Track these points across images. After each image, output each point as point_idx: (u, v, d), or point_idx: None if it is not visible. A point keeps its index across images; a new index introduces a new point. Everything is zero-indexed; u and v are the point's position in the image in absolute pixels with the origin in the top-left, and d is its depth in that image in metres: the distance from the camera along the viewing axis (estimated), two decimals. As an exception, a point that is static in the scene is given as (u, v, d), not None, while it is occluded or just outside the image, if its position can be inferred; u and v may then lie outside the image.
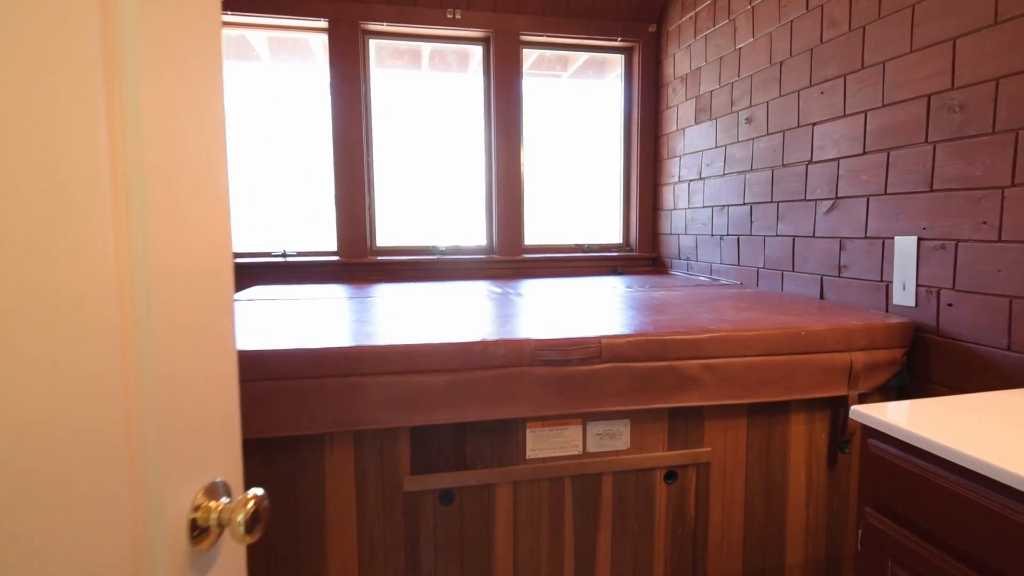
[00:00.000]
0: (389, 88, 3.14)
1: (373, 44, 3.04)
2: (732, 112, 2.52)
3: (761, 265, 2.37)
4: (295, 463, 1.34)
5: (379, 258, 3.01)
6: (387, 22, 2.91)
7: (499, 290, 2.40)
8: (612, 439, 1.49)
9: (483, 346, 1.38)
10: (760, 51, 2.33)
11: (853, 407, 1.14)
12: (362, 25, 2.93)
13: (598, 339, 1.43)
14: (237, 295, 2.31)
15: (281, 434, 1.28)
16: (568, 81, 3.49)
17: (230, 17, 2.82)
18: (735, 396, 1.50)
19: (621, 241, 3.40)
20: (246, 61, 3.07)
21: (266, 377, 1.28)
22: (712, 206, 2.71)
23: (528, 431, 1.45)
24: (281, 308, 1.93)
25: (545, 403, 1.40)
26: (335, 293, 2.36)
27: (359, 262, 2.98)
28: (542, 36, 3.11)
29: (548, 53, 3.30)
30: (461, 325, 1.59)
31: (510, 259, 3.12)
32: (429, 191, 3.27)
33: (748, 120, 2.42)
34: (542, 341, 1.41)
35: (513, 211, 3.15)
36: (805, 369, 1.53)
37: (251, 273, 2.91)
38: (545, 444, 1.46)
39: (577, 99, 3.50)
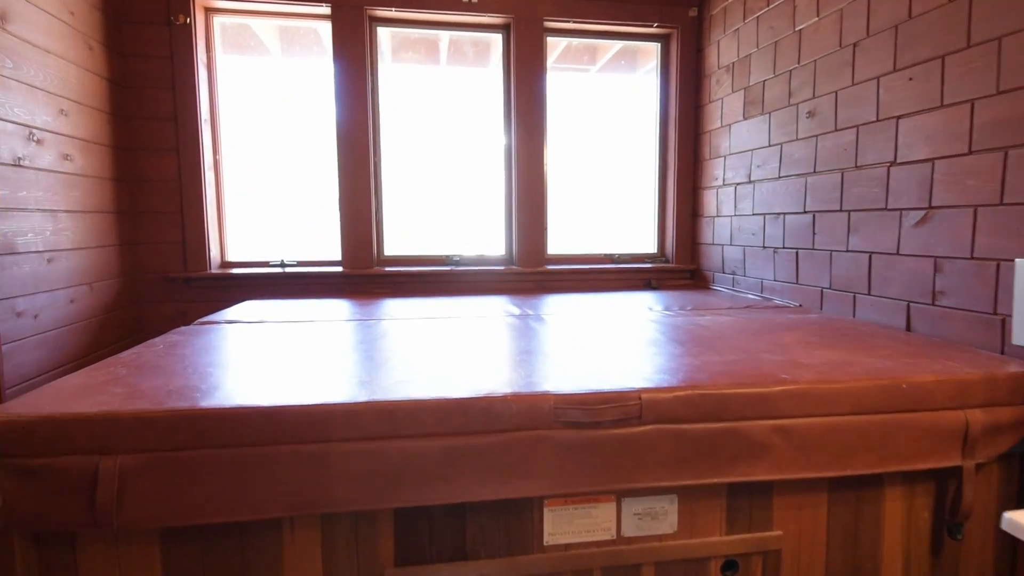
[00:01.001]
0: (402, 84, 2.85)
1: (385, 34, 2.76)
2: (790, 105, 2.16)
3: (826, 285, 2.01)
4: (244, 556, 1.04)
5: (387, 269, 2.72)
6: (396, 6, 2.61)
7: (517, 311, 2.08)
8: (655, 520, 1.16)
9: (489, 403, 1.06)
10: (827, 32, 1.96)
11: (1006, 515, 0.79)
12: (368, 11, 2.64)
13: (637, 394, 1.10)
14: (220, 313, 2.04)
15: (224, 520, 0.99)
16: (597, 76, 3.15)
17: (226, 3, 2.56)
18: (815, 468, 1.16)
19: (655, 251, 3.05)
20: (256, 56, 2.82)
21: (205, 444, 0.99)
22: (764, 214, 2.35)
23: (546, 510, 1.13)
24: (258, 335, 1.65)
25: (569, 476, 1.08)
26: (329, 312, 2.07)
27: (364, 273, 2.69)
28: (569, 22, 2.79)
29: (575, 43, 2.97)
30: (465, 366, 1.28)
31: (531, 271, 2.80)
32: (444, 196, 2.97)
33: (810, 114, 2.06)
34: (565, 396, 1.09)
35: (535, 218, 2.83)
36: (906, 432, 1.18)
37: (246, 285, 2.65)
38: (568, 527, 1.14)
39: (607, 95, 3.17)
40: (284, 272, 2.64)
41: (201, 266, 2.59)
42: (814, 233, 2.06)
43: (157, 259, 2.58)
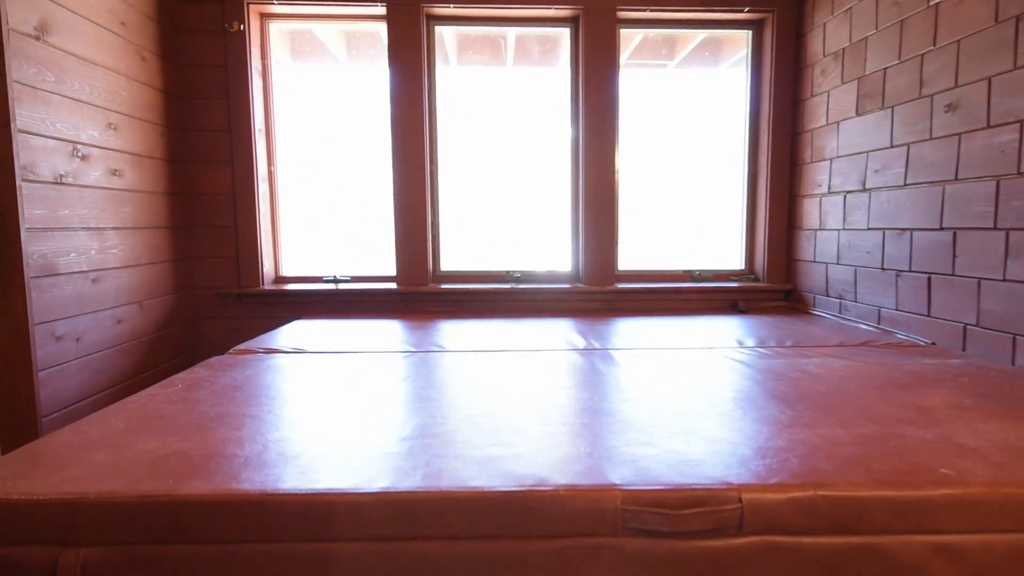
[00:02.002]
0: (464, 87, 2.66)
1: (449, 34, 2.57)
2: (921, 97, 1.77)
3: (972, 321, 1.61)
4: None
5: (442, 287, 2.52)
6: (454, 3, 2.41)
7: (581, 342, 1.81)
8: (757, 660, 0.87)
9: (536, 498, 0.81)
10: (975, 4, 1.57)
11: None
12: (425, 8, 2.46)
13: (736, 492, 0.82)
14: (262, 339, 1.91)
15: (201, 633, 0.79)
16: (675, 71, 2.82)
17: (281, 8, 2.45)
18: (994, 605, 0.82)
19: (743, 268, 2.69)
20: (322, 62, 2.72)
21: (182, 537, 0.80)
22: (883, 228, 1.95)
23: (609, 638, 0.87)
24: (289, 371, 1.48)
25: (640, 599, 0.81)
26: (375, 339, 1.89)
27: (419, 291, 2.51)
28: (645, 11, 2.48)
29: (652, 35, 2.66)
30: (511, 429, 1.04)
31: (599, 290, 2.52)
32: (505, 206, 2.75)
33: (950, 107, 1.66)
34: (638, 493, 0.82)
35: (604, 230, 2.54)
36: None
37: (298, 302, 2.54)
38: (638, 661, 0.87)
39: (686, 92, 2.83)
40: (337, 289, 2.51)
41: (254, 282, 2.50)
42: (954, 255, 1.66)
43: (211, 274, 2.51)
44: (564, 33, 2.58)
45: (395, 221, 2.52)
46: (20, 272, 1.59)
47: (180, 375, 1.43)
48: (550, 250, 2.70)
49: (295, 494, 0.81)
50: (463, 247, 2.70)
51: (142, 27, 2.16)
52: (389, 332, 2.02)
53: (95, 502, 0.80)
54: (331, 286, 2.53)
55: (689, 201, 2.82)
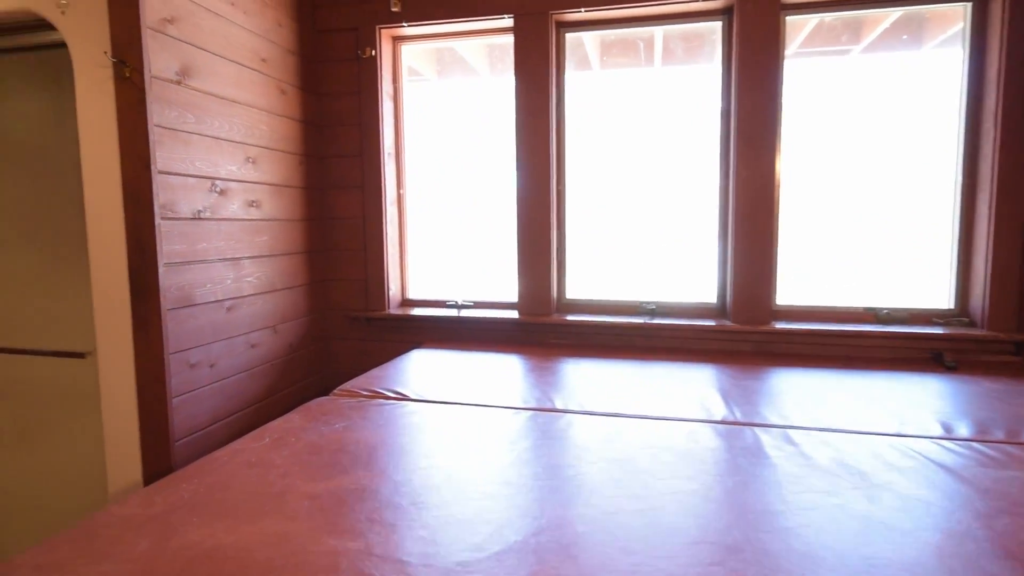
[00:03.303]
0: (598, 91, 2.42)
1: (588, 38, 2.35)
2: None
3: None
4: None
5: (568, 318, 2.31)
6: (586, 7, 2.18)
7: (721, 410, 1.49)
8: None
9: None
10: None
11: None
12: (555, 16, 2.26)
13: None
14: (369, 376, 1.86)
15: None
16: (860, 57, 2.30)
17: (412, 31, 2.42)
18: None
19: (952, 307, 2.10)
20: (466, 77, 2.68)
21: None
22: None
23: None
24: (386, 426, 1.37)
25: None
26: (488, 381, 1.73)
27: (541, 322, 2.32)
28: (820, -8, 2.03)
29: (829, 19, 2.19)
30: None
31: (751, 330, 2.12)
32: (641, 224, 2.45)
33: None
34: None
35: (759, 255, 2.14)
36: None
37: (421, 328, 2.49)
38: None
39: (874, 82, 2.29)
40: (459, 316, 2.41)
41: (380, 305, 2.50)
42: None
43: (343, 296, 2.56)
44: (714, 28, 2.22)
45: (517, 244, 2.36)
46: (157, 306, 1.69)
47: (274, 423, 1.39)
48: (692, 278, 2.35)
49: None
50: (592, 270, 2.45)
51: (283, 61, 2.24)
52: (506, 372, 1.85)
53: (112, 617, 0.72)
54: (453, 312, 2.45)
55: (872, 217, 2.28)
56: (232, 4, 1.95)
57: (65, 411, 1.92)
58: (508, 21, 2.29)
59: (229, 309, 1.98)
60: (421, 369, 1.89)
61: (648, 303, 2.30)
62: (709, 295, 2.29)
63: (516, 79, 2.29)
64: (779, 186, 2.14)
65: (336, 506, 0.94)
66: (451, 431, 1.30)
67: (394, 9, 2.34)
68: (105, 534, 0.88)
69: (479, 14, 2.28)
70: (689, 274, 2.35)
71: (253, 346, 2.10)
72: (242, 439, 1.29)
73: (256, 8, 2.07)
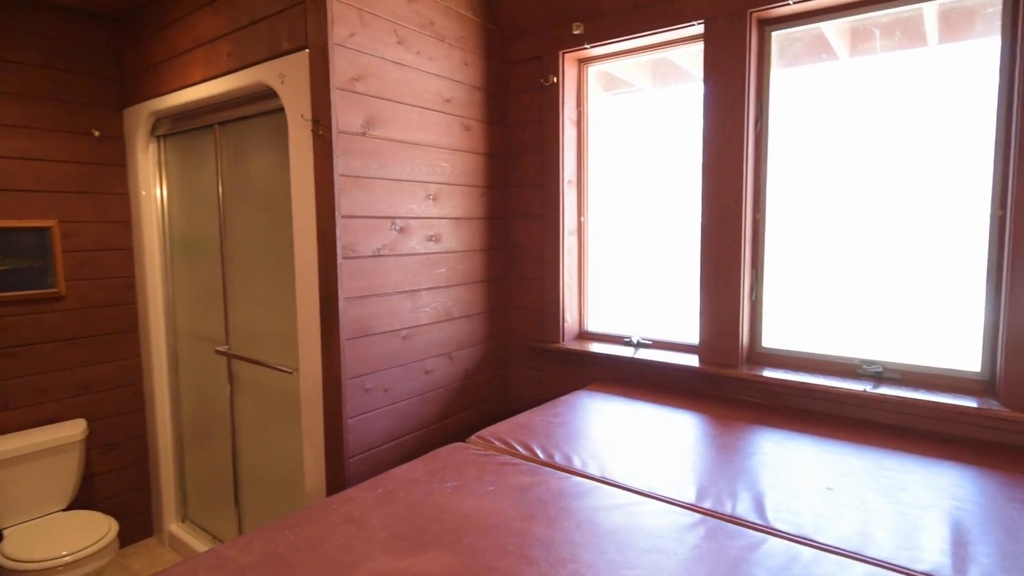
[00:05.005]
0: (793, 91, 1.98)
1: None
2: None
3: None
4: None
5: (759, 373, 1.93)
6: (792, -3, 1.78)
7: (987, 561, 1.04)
8: None
9: None
10: None
11: None
12: (756, 14, 1.90)
13: None
14: (517, 421, 1.79)
15: None
16: None
17: (595, 50, 2.30)
18: None
19: None
20: (631, 92, 2.51)
21: None
22: None
23: None
24: (503, 497, 1.29)
25: None
26: (650, 450, 1.53)
27: (726, 375, 1.98)
28: None
29: None
30: None
31: (1034, 418, 1.48)
32: (869, 262, 1.93)
33: None
34: None
35: (1056, 316, 1.48)
36: None
37: (594, 363, 2.35)
38: None
39: None
40: (634, 357, 2.21)
41: (555, 336, 2.43)
42: None
43: (523, 324, 2.56)
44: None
45: (700, 279, 2.06)
46: (337, 336, 1.88)
47: (398, 471, 1.42)
48: (940, 333, 1.75)
49: None
50: (798, 313, 2.01)
51: (467, 98, 2.32)
52: (676, 436, 1.61)
53: None
54: (629, 351, 2.25)
55: None
56: (418, 53, 2.08)
57: (285, 414, 2.28)
58: (699, 27, 2.00)
59: (405, 338, 2.12)
60: (576, 419, 1.76)
61: (872, 362, 1.79)
62: (971, 361, 1.68)
63: (704, 92, 1.99)
64: (1098, 213, 1.45)
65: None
66: (574, 519, 1.14)
67: (576, 32, 2.24)
68: None
69: (665, 24, 2.04)
70: (937, 328, 1.76)
71: (427, 372, 2.22)
72: (360, 485, 1.34)
73: (442, 53, 2.18)
